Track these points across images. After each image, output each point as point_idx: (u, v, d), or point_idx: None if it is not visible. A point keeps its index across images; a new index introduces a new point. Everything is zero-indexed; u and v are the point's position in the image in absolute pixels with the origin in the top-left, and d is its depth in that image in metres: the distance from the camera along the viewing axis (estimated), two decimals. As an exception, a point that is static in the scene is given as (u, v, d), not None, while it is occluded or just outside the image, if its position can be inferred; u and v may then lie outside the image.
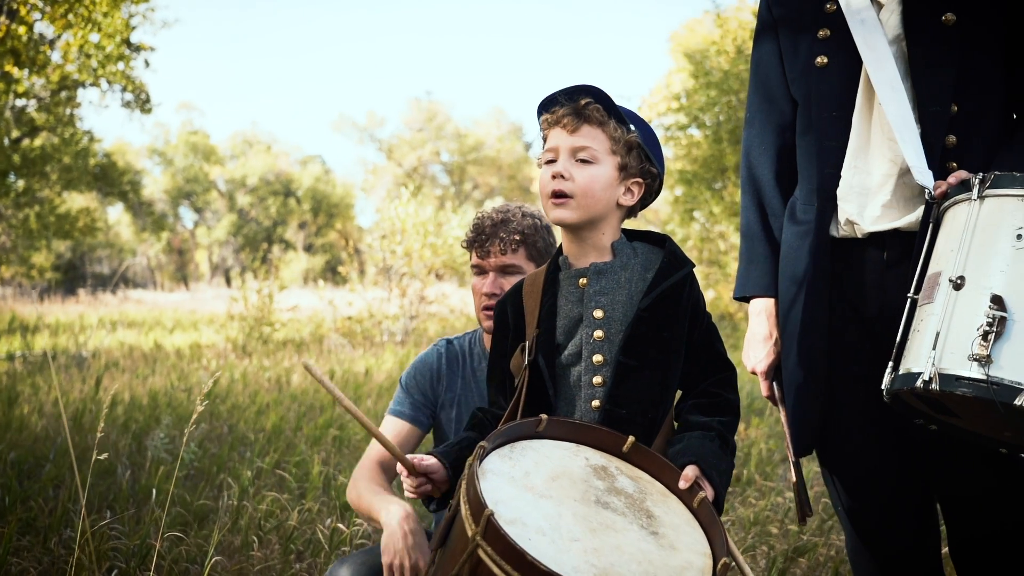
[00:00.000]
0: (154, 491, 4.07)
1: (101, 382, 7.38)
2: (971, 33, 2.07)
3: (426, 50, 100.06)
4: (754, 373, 2.36)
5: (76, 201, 27.86)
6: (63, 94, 18.91)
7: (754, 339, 2.35)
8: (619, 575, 1.54)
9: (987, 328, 1.67)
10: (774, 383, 2.33)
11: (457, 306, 14.94)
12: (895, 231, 2.11)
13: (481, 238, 2.60)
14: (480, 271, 2.62)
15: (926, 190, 1.98)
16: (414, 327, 13.75)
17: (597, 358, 1.96)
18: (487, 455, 1.74)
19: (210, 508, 4.26)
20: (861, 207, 2.14)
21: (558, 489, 1.72)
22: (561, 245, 2.11)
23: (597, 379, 1.96)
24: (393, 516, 2.24)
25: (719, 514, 1.79)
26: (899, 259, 2.10)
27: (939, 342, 1.75)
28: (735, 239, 15.67)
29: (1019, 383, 1.63)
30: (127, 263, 42.92)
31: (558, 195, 1.98)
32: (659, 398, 1.98)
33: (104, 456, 2.92)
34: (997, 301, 1.68)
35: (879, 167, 2.12)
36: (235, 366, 9.51)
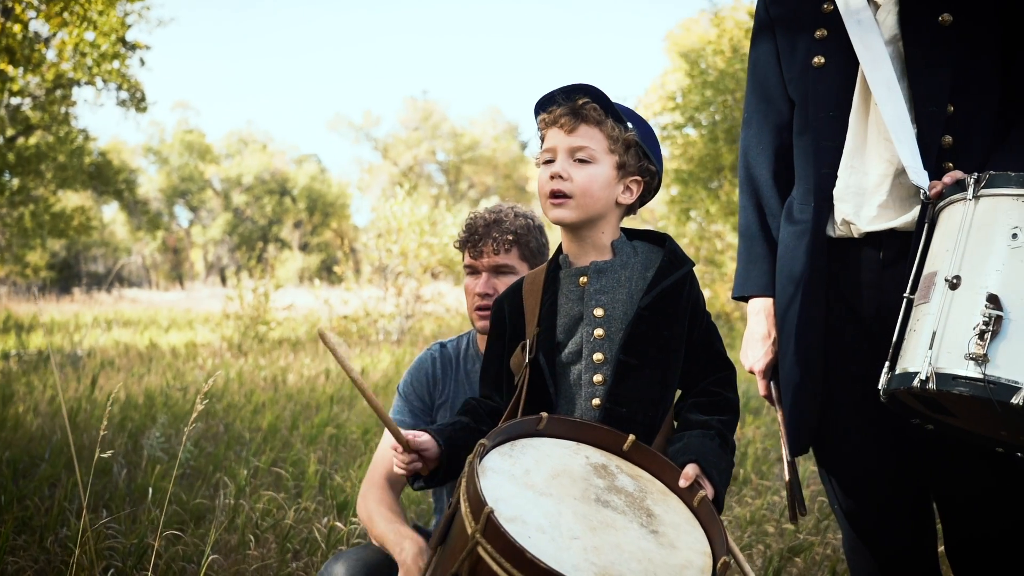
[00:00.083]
0: (150, 490, 4.07)
1: (97, 381, 7.37)
2: (967, 33, 2.07)
3: (422, 49, 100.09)
4: (752, 372, 2.37)
5: (71, 200, 27.80)
6: (58, 92, 18.86)
7: (752, 338, 2.36)
8: (619, 573, 1.54)
9: (983, 327, 1.68)
10: (772, 382, 2.34)
11: (453, 305, 14.94)
12: (891, 231, 2.11)
13: (474, 238, 2.59)
14: (473, 271, 2.62)
15: (921, 190, 1.99)
16: (410, 326, 13.75)
17: (597, 356, 1.97)
18: (487, 453, 1.75)
19: (206, 507, 4.26)
20: (857, 207, 2.14)
21: (558, 487, 1.72)
22: (561, 244, 2.11)
23: (597, 377, 1.97)
24: (408, 553, 2.23)
25: (719, 513, 1.80)
26: (895, 259, 2.11)
27: (936, 341, 1.76)
28: (731, 238, 15.69)
29: (1016, 381, 1.63)
30: (122, 262, 42.87)
31: (557, 195, 1.99)
32: (659, 397, 1.99)
33: (108, 454, 2.92)
34: (993, 300, 1.69)
35: (875, 167, 2.12)
36: (231, 365, 9.50)
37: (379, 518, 2.44)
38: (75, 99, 19.59)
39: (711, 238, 16.32)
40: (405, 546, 2.26)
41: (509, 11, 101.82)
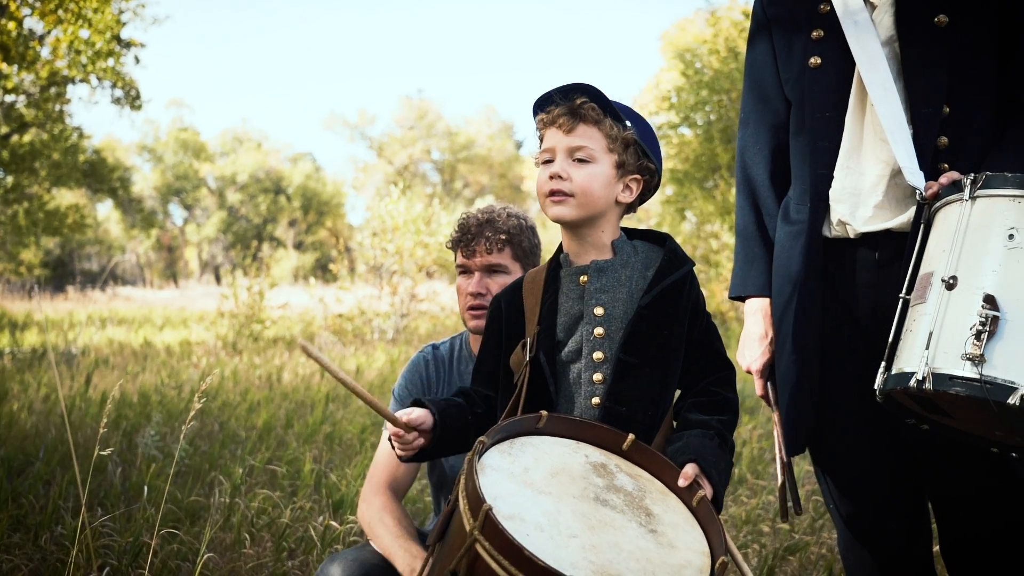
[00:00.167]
0: (146, 488, 4.07)
1: (91, 379, 7.35)
2: (963, 34, 2.07)
3: (417, 48, 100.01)
4: (749, 372, 2.37)
5: (65, 197, 27.68)
6: (52, 90, 18.81)
7: (749, 338, 2.36)
8: (617, 572, 1.54)
9: (980, 327, 1.68)
10: (768, 383, 2.35)
11: (448, 304, 14.93)
12: (887, 231, 2.12)
13: (466, 238, 2.60)
14: (465, 271, 2.62)
15: (918, 191, 1.99)
16: (405, 325, 13.74)
17: (597, 355, 1.97)
18: (486, 450, 1.75)
19: (201, 505, 4.26)
20: (853, 208, 2.15)
21: (557, 486, 1.72)
22: (561, 243, 2.11)
23: (597, 376, 1.97)
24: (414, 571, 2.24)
25: (718, 513, 1.80)
26: (891, 259, 2.11)
27: (932, 342, 1.76)
28: (727, 238, 15.71)
29: (1012, 382, 1.64)
30: (116, 260, 42.80)
31: (556, 193, 1.99)
32: (659, 396, 1.99)
33: (108, 451, 2.92)
34: (990, 301, 1.70)
35: (871, 168, 2.13)
36: (225, 364, 9.49)
37: (384, 530, 2.43)
38: (69, 97, 19.56)
39: (707, 238, 16.33)
40: (414, 565, 2.27)
41: (505, 10, 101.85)
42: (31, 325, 14.80)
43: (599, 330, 1.98)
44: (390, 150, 49.86)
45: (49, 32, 16.33)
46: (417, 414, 1.89)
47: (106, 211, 43.73)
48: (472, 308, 2.57)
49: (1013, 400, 1.63)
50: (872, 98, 2.08)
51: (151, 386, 7.57)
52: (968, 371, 1.68)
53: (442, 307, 14.80)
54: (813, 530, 4.18)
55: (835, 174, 2.18)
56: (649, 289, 1.99)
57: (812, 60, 2.22)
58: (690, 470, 1.83)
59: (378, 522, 2.45)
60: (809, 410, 2.20)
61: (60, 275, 36.62)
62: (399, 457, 1.96)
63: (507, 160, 49.76)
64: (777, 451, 2.34)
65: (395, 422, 1.87)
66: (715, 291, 14.68)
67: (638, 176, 2.06)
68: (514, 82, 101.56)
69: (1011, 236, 1.73)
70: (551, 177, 1.99)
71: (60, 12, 15.06)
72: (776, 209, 2.35)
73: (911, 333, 1.85)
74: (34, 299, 20.76)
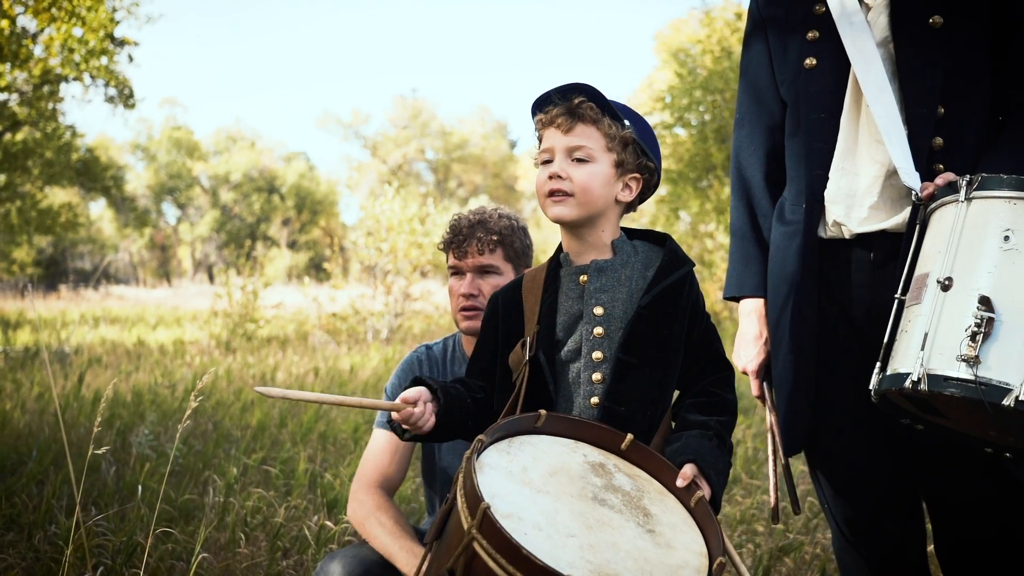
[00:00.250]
0: (140, 488, 4.06)
1: (84, 378, 7.33)
2: (958, 35, 2.08)
3: (412, 47, 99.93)
4: (744, 373, 2.37)
5: (58, 196, 27.64)
6: (45, 88, 18.73)
7: (744, 339, 2.37)
8: (615, 572, 1.54)
9: (975, 329, 1.69)
10: (764, 383, 2.35)
11: (441, 303, 14.93)
12: (882, 232, 2.12)
13: (458, 239, 2.59)
14: (457, 272, 2.62)
15: (913, 192, 1.99)
16: (399, 324, 13.73)
17: (597, 355, 1.97)
18: (485, 449, 1.75)
19: (195, 504, 4.25)
20: (848, 208, 2.15)
21: (555, 485, 1.72)
22: (561, 243, 2.11)
23: (596, 376, 1.97)
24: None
25: (716, 513, 1.80)
26: (886, 259, 2.12)
27: (927, 343, 1.77)
28: (722, 238, 15.73)
29: (1007, 383, 1.64)
30: (109, 259, 42.68)
31: (556, 193, 1.99)
32: (658, 396, 2.00)
33: (104, 450, 2.92)
34: (985, 302, 1.70)
35: (867, 169, 2.13)
36: (219, 363, 9.48)
37: (381, 530, 2.42)
38: (63, 95, 19.46)
39: (702, 237, 16.36)
40: (412, 563, 2.26)
41: (499, 10, 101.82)
42: (24, 324, 14.75)
43: (598, 330, 1.98)
44: (384, 149, 49.82)
45: (42, 30, 16.27)
46: (412, 390, 1.88)
47: (99, 210, 43.63)
48: (464, 309, 2.57)
49: (1008, 402, 1.63)
50: (867, 99, 2.08)
51: (144, 385, 7.55)
52: (963, 372, 1.69)
53: (436, 306, 14.80)
54: (807, 530, 4.19)
55: (830, 175, 2.19)
56: (649, 289, 1.99)
57: (808, 61, 2.22)
58: (688, 470, 1.84)
59: (373, 521, 2.45)
60: (806, 410, 2.21)
61: (53, 274, 36.55)
62: (403, 436, 1.94)
63: (501, 160, 49.75)
64: (771, 452, 2.34)
65: (394, 407, 1.87)
66: (709, 291, 14.69)
67: (637, 175, 2.07)
68: (508, 82, 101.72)
69: (1006, 238, 1.74)
70: (550, 177, 1.99)
71: (53, 10, 15.00)
72: (771, 210, 2.35)
73: (906, 334, 1.86)
74: (28, 298, 20.71)
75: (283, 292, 19.98)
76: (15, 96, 18.68)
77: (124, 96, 19.74)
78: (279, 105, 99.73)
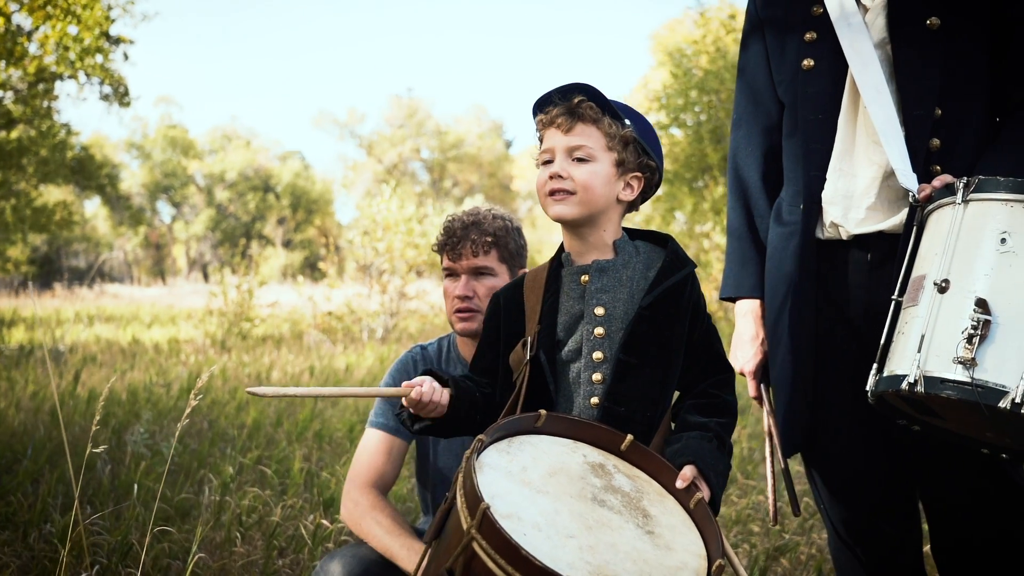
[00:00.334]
0: (135, 486, 4.05)
1: (80, 377, 7.32)
2: (955, 37, 2.09)
3: (408, 47, 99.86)
4: (741, 374, 2.38)
5: (53, 194, 27.54)
6: (40, 86, 18.68)
7: (741, 340, 2.37)
8: (614, 573, 1.54)
9: (972, 331, 1.69)
10: (761, 384, 2.36)
11: (437, 303, 14.91)
12: (879, 233, 2.13)
13: (452, 241, 2.58)
14: (452, 274, 2.61)
15: (910, 193, 2.00)
16: (394, 324, 13.72)
17: (597, 355, 1.97)
18: (485, 449, 1.75)
19: (191, 504, 4.24)
20: (846, 209, 2.16)
21: (555, 485, 1.72)
22: (563, 242, 2.11)
23: (596, 376, 1.97)
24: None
25: (715, 514, 1.81)
26: (883, 260, 2.12)
27: (924, 345, 1.77)
28: (717, 238, 15.75)
29: (1003, 385, 1.65)
30: (104, 257, 42.59)
31: (557, 192, 1.99)
32: (658, 397, 2.00)
33: (101, 449, 2.91)
34: (981, 304, 1.71)
35: (864, 170, 2.14)
36: (214, 362, 9.46)
37: (380, 529, 2.42)
38: (57, 93, 19.43)
39: (698, 237, 16.36)
40: (414, 560, 2.26)
41: (495, 9, 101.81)
42: (18, 322, 14.72)
43: (599, 330, 1.98)
44: (379, 149, 49.78)
45: (37, 28, 16.23)
46: (418, 378, 1.90)
47: (94, 208, 43.55)
48: (459, 311, 2.56)
49: (1004, 404, 1.64)
50: (865, 100, 2.09)
51: (140, 384, 7.54)
52: (959, 375, 1.69)
53: (431, 306, 14.78)
54: (803, 530, 4.20)
55: (828, 176, 2.19)
56: (650, 290, 1.99)
57: (805, 62, 2.23)
58: (688, 472, 1.84)
59: (371, 520, 2.44)
60: (805, 411, 2.21)
61: (47, 272, 36.47)
62: (414, 431, 1.95)
63: (496, 159, 49.75)
64: (768, 453, 2.35)
65: (401, 393, 1.87)
66: (704, 291, 14.70)
67: (639, 174, 2.06)
68: (504, 81, 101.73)
69: (1003, 240, 1.74)
70: (551, 177, 1.99)
71: (49, 8, 14.98)
72: (767, 211, 2.36)
73: (903, 335, 1.86)
74: (28, 295, 20.66)
75: (278, 291, 19.91)
76: (10, 94, 18.63)
77: (119, 94, 19.70)
78: (275, 104, 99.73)
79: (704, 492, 1.83)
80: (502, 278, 2.57)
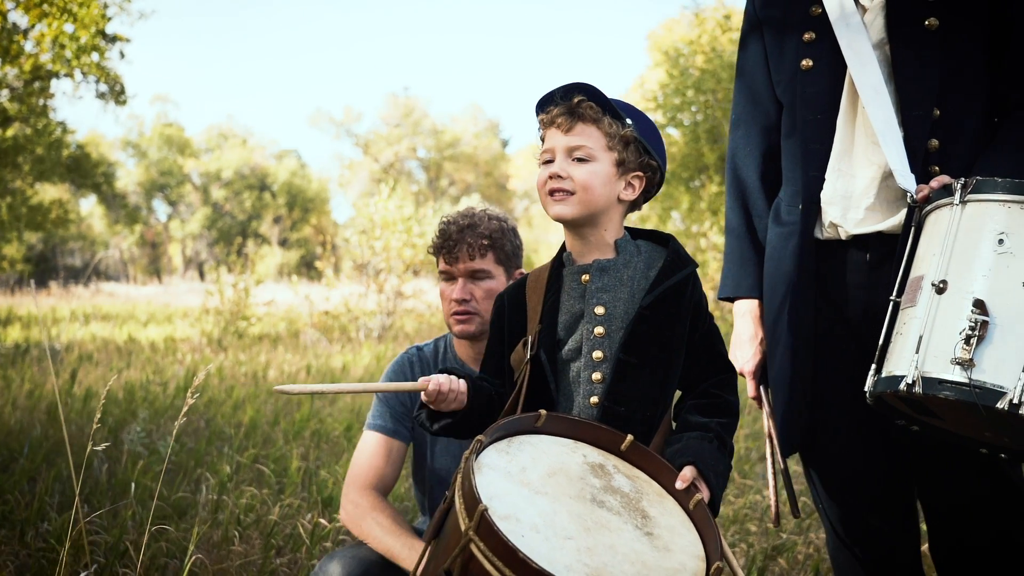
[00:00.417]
0: (133, 485, 4.05)
1: (76, 376, 7.31)
2: (954, 38, 2.09)
3: (404, 46, 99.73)
4: (741, 374, 2.38)
5: (48, 192, 27.50)
6: (36, 84, 18.63)
7: (739, 340, 2.37)
8: (611, 575, 1.55)
9: (970, 332, 1.70)
10: (760, 384, 2.36)
11: (434, 302, 14.90)
12: (878, 233, 2.13)
13: (448, 243, 2.57)
14: (448, 277, 2.60)
15: (908, 194, 2.00)
16: (391, 323, 13.72)
17: (597, 354, 1.97)
18: (484, 449, 1.74)
19: (188, 502, 4.24)
20: (844, 210, 2.16)
21: (554, 486, 1.72)
22: (565, 242, 2.11)
23: (596, 375, 1.97)
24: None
25: (715, 515, 1.80)
26: (881, 261, 2.13)
27: (922, 345, 1.78)
28: (714, 238, 15.75)
29: (1001, 386, 1.65)
30: (100, 256, 42.50)
31: (557, 192, 1.99)
32: (658, 397, 2.00)
33: (102, 447, 2.91)
34: (979, 305, 1.71)
35: (863, 170, 2.14)
36: (211, 360, 9.45)
37: (379, 530, 2.41)
38: (53, 91, 19.36)
39: (695, 237, 16.36)
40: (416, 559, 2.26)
41: (492, 9, 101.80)
42: (14, 320, 14.69)
43: (599, 329, 1.98)
44: (376, 148, 49.74)
45: (33, 26, 16.19)
46: (439, 375, 1.91)
47: (89, 206, 43.41)
48: (456, 314, 2.56)
49: (1002, 404, 1.64)
50: (863, 100, 2.09)
51: (136, 382, 7.53)
52: (957, 375, 1.70)
53: (428, 305, 14.77)
54: (801, 530, 4.20)
55: (827, 176, 2.19)
56: (651, 289, 1.99)
57: (804, 62, 2.23)
58: (688, 472, 1.84)
59: (371, 521, 2.44)
60: (804, 411, 2.21)
61: (43, 270, 36.39)
62: (433, 431, 1.96)
63: (493, 158, 49.71)
64: (769, 454, 2.35)
65: (419, 388, 1.88)
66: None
67: (640, 173, 2.06)
68: (500, 81, 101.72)
69: (1001, 241, 1.75)
70: (551, 176, 1.99)
71: (45, 6, 14.95)
72: (766, 211, 2.36)
73: (901, 336, 1.87)
74: (25, 294, 20.61)
75: (274, 290, 19.90)
76: (5, 92, 18.59)
77: (115, 93, 19.64)
78: (271, 102, 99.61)
79: (704, 493, 1.83)
80: (499, 280, 2.57)
